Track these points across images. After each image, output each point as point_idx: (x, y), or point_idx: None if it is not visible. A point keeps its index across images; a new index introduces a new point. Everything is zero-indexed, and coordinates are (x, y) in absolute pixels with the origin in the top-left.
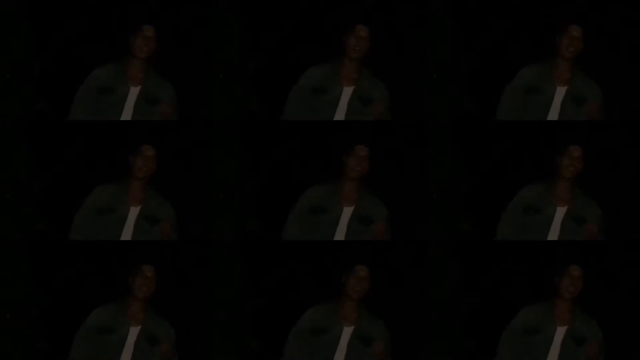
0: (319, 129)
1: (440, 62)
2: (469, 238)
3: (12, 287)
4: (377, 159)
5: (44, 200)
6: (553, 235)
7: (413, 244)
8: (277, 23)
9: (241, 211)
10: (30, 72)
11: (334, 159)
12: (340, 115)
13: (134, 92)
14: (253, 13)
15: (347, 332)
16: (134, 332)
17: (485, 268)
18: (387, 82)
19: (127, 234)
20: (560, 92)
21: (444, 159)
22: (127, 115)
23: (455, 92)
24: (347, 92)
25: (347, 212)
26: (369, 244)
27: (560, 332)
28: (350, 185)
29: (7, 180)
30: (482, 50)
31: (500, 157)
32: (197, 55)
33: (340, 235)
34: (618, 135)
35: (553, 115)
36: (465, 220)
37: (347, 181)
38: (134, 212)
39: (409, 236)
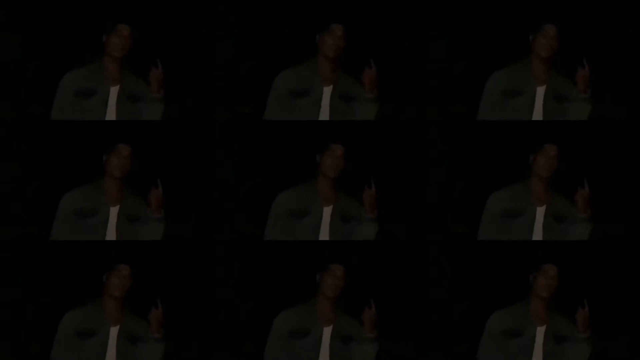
0: (317, 130)
1: (439, 63)
2: (467, 239)
3: (6, 290)
4: (376, 159)
5: (37, 202)
6: (537, 236)
7: (411, 244)
8: (277, 23)
9: (240, 212)
10: (25, 75)
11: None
12: (324, 116)
13: (114, 92)
14: (252, 14)
15: (327, 332)
16: (114, 332)
17: (484, 269)
18: (386, 83)
19: (111, 235)
20: (540, 91)
21: (443, 160)
22: (111, 116)
23: (454, 93)
24: (327, 92)
25: (327, 212)
26: (368, 244)
27: (540, 332)
28: (328, 185)
29: (2, 182)
30: (481, 51)
31: (500, 158)
32: (196, 56)
33: (324, 236)
34: (609, 133)
35: (537, 116)
36: (465, 221)
37: (324, 181)
38: (114, 212)
39: (407, 237)
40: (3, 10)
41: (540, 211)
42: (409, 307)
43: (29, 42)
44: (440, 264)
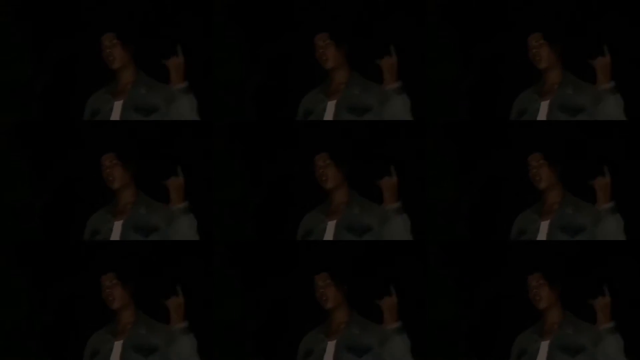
0: (317, 131)
1: (441, 64)
2: (469, 241)
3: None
4: (376, 160)
5: (45, 211)
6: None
7: (413, 244)
8: (279, 32)
9: (242, 215)
10: (33, 90)
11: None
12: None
13: (117, 106)
14: (253, 22)
15: (330, 346)
16: (117, 347)
17: (485, 271)
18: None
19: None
20: (544, 105)
21: (445, 161)
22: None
23: (454, 94)
24: (331, 105)
25: (331, 226)
26: (369, 245)
27: (544, 346)
28: (332, 197)
29: (9, 192)
30: (481, 53)
31: (501, 160)
32: (197, 63)
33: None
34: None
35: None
36: (467, 223)
37: (330, 194)
38: (117, 226)
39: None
40: (5, 27)
41: (545, 225)
42: (409, 308)
43: (34, 58)
44: (440, 264)
